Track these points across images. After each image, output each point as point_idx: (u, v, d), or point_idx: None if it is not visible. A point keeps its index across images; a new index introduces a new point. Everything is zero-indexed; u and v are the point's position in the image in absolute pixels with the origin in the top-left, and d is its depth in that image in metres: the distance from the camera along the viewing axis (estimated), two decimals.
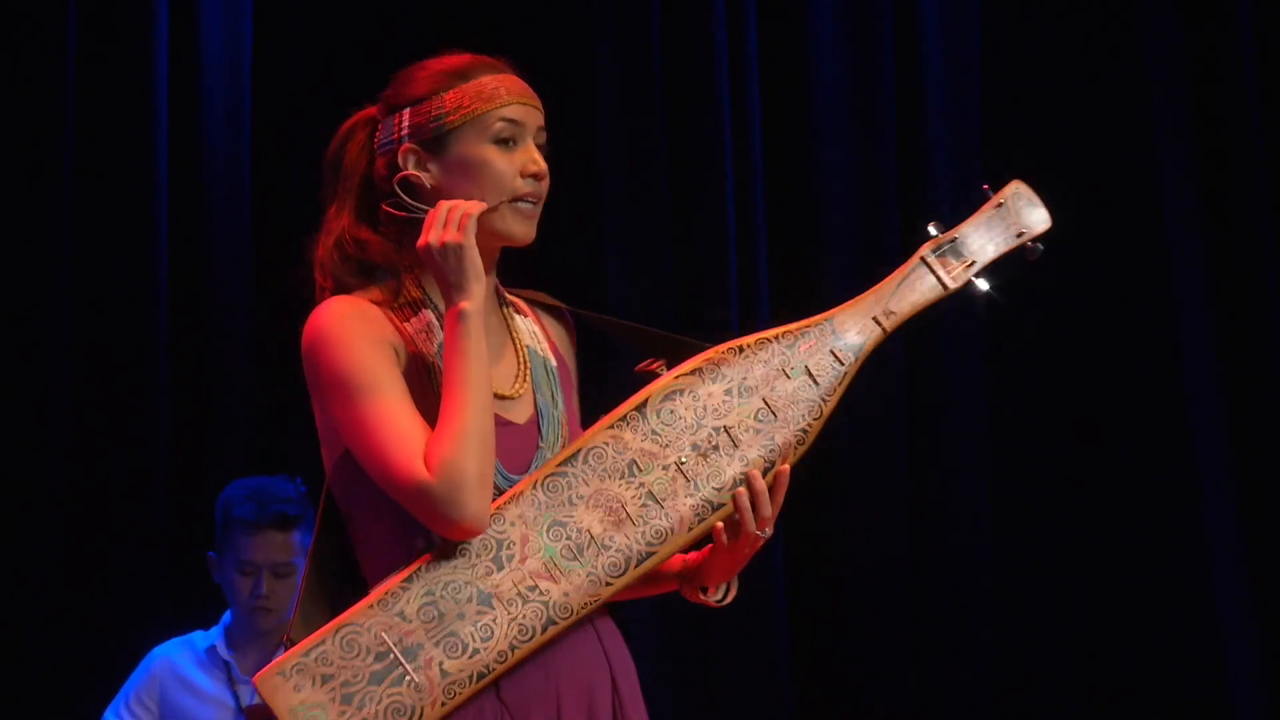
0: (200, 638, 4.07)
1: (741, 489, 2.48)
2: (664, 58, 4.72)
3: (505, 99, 2.53)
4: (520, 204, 2.52)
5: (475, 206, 2.46)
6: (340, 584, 2.51)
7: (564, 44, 4.69)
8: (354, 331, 2.46)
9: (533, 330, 2.61)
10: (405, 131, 2.55)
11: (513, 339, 2.58)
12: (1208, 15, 4.83)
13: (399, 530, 2.46)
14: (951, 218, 4.69)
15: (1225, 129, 4.81)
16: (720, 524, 2.49)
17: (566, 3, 4.74)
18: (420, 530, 2.45)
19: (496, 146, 2.53)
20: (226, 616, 4.07)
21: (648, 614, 4.58)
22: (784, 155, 4.81)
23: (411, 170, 2.54)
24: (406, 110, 2.56)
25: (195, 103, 4.47)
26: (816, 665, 4.73)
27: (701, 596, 2.60)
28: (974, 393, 4.79)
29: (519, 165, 2.53)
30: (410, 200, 2.54)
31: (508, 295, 2.63)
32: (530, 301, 2.68)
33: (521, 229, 2.53)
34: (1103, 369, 4.81)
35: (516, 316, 2.61)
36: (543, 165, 2.54)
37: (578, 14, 4.72)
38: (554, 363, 2.60)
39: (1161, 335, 4.77)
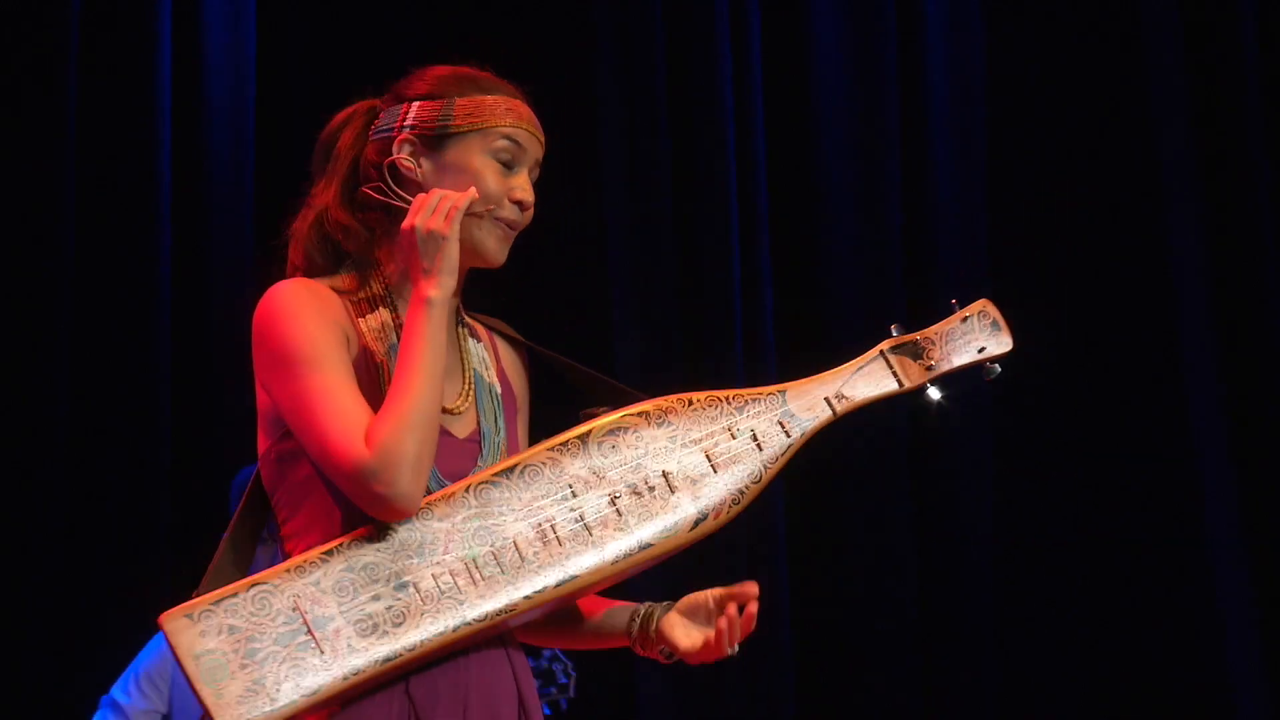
0: None
1: (723, 620, 2.51)
2: (666, 60, 4.73)
3: (516, 121, 2.54)
4: (502, 226, 2.53)
5: (464, 199, 2.47)
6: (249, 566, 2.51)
7: (566, 47, 4.69)
8: (306, 308, 2.45)
9: (482, 355, 2.61)
10: (408, 122, 2.55)
11: (462, 359, 2.58)
12: (1210, 14, 4.83)
13: (322, 521, 2.46)
14: (954, 217, 4.76)
15: (1227, 126, 4.80)
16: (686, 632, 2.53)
17: (569, 5, 4.74)
18: (346, 521, 2.44)
19: (494, 162, 2.54)
20: None
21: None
22: (786, 159, 4.81)
23: (405, 158, 2.55)
24: (415, 103, 2.56)
25: (198, 101, 4.47)
26: (818, 668, 4.73)
27: (654, 653, 2.61)
28: (976, 396, 4.79)
29: (509, 188, 2.53)
30: (393, 187, 2.54)
31: (466, 317, 2.64)
32: (489, 328, 2.68)
33: (495, 248, 2.53)
34: (1105, 372, 4.81)
35: (469, 339, 2.61)
36: (531, 197, 2.54)
37: (580, 17, 4.72)
38: (499, 389, 2.59)
39: (1162, 335, 4.77)
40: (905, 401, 4.61)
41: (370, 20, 4.65)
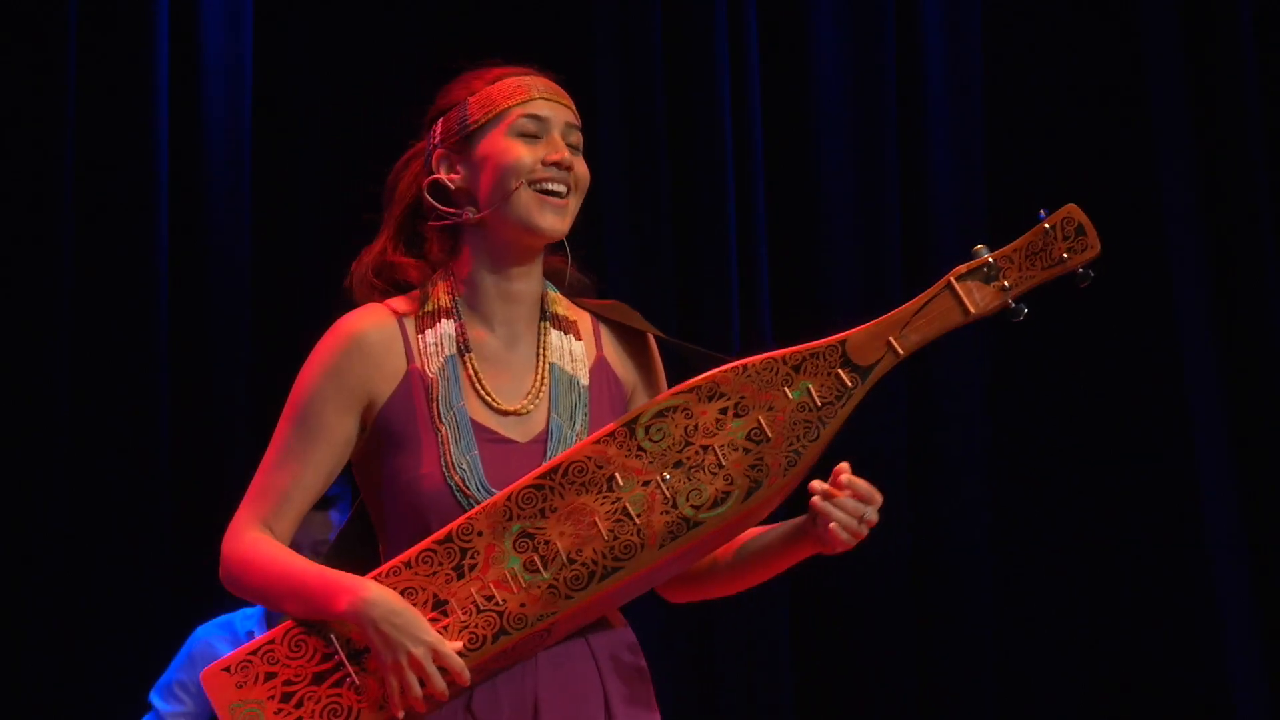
0: (240, 619, 4.08)
1: (816, 498, 2.44)
2: (665, 60, 4.73)
3: (527, 95, 2.55)
4: (544, 194, 2.53)
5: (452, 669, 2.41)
6: (362, 569, 2.52)
7: (565, 45, 4.69)
8: (333, 363, 2.52)
9: (569, 348, 2.59)
10: (436, 140, 2.59)
11: (539, 354, 2.58)
12: (1209, 14, 4.83)
13: (405, 526, 2.49)
14: (953, 217, 4.76)
15: (1225, 124, 4.80)
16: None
17: (568, 4, 4.74)
18: (427, 527, 2.47)
19: (519, 139, 2.54)
20: None
21: (649, 613, 4.58)
22: (785, 157, 4.81)
23: (442, 174, 2.57)
24: (439, 120, 2.60)
25: (196, 103, 4.47)
26: (818, 668, 4.73)
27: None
28: (974, 395, 4.79)
29: (540, 154, 2.53)
30: (438, 204, 2.56)
31: (560, 309, 2.62)
32: (597, 315, 2.66)
33: (546, 219, 2.52)
34: (1104, 371, 4.81)
35: (554, 332, 2.60)
36: (565, 154, 2.53)
37: (579, 15, 4.72)
38: (584, 381, 2.58)
39: (1162, 336, 4.77)
40: (904, 403, 4.66)
41: (369, 20, 4.65)
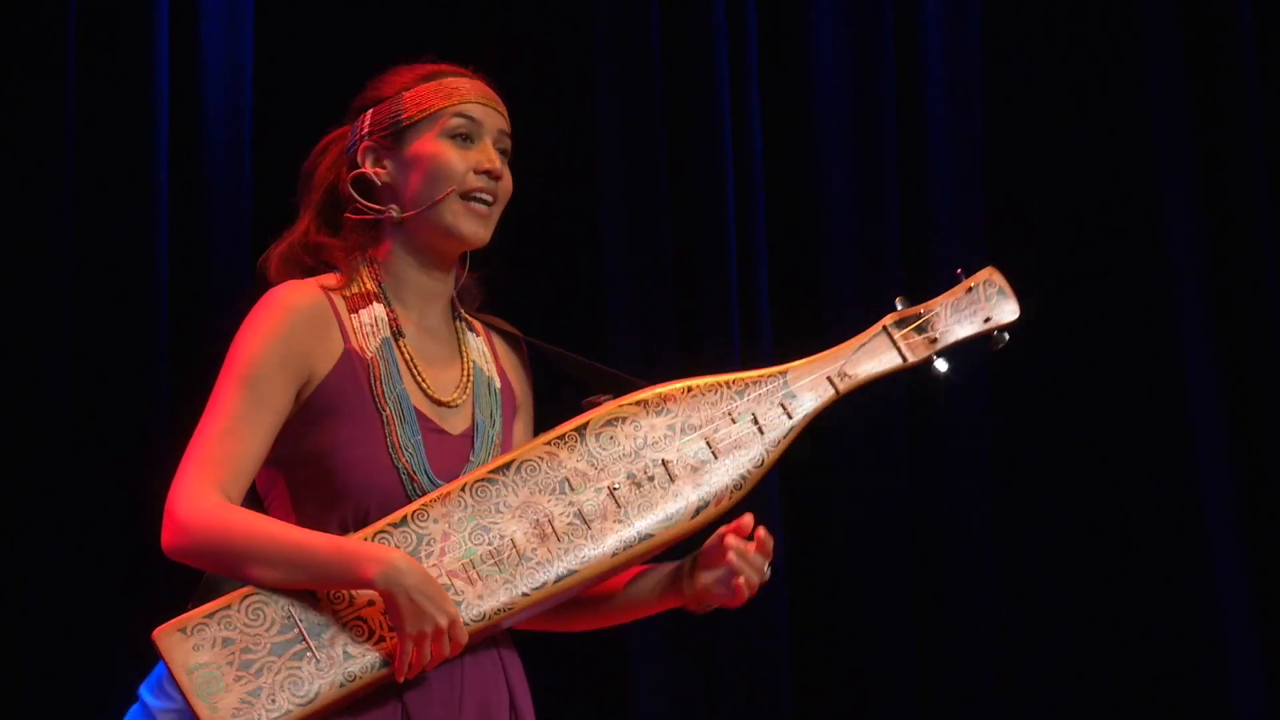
0: None
1: (730, 555, 2.49)
2: (664, 60, 4.72)
3: (464, 97, 2.57)
4: (472, 202, 2.54)
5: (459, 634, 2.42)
6: None
7: (563, 45, 4.69)
8: (276, 329, 2.50)
9: (481, 349, 2.63)
10: (365, 130, 2.60)
11: (461, 351, 2.59)
12: (1209, 15, 4.83)
13: (333, 505, 2.48)
14: (953, 222, 4.76)
15: (1226, 130, 4.81)
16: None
17: (566, 5, 4.74)
18: (343, 520, 2.46)
19: (451, 141, 2.55)
20: None
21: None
22: (784, 160, 4.81)
23: (368, 168, 2.56)
24: (369, 110, 2.61)
25: (196, 103, 4.47)
26: (816, 671, 4.73)
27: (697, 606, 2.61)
28: (975, 396, 4.78)
29: (473, 162, 2.55)
30: (362, 200, 2.56)
31: (462, 312, 2.65)
32: (487, 325, 2.69)
33: (471, 227, 2.55)
34: (1104, 370, 4.81)
35: (469, 333, 2.63)
36: (497, 164, 2.56)
37: (577, 15, 4.72)
38: (498, 384, 2.61)
39: (1162, 336, 4.78)
40: (902, 394, 4.66)
41: (369, 22, 4.65)
